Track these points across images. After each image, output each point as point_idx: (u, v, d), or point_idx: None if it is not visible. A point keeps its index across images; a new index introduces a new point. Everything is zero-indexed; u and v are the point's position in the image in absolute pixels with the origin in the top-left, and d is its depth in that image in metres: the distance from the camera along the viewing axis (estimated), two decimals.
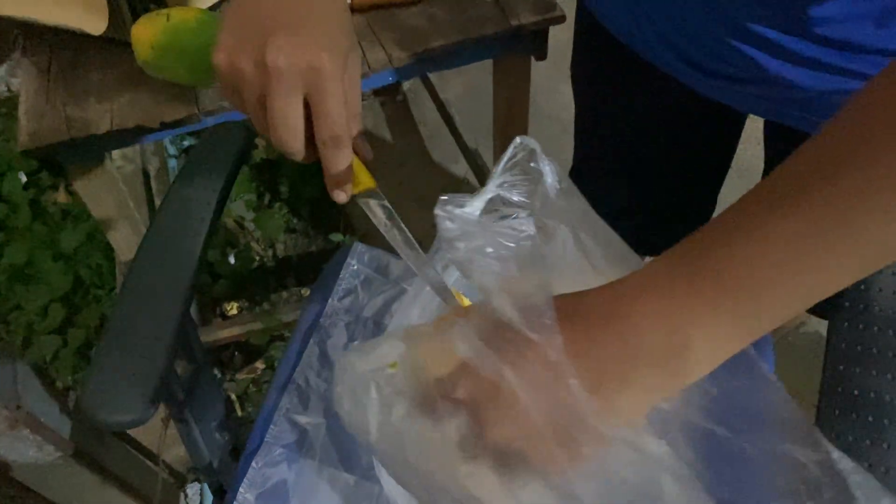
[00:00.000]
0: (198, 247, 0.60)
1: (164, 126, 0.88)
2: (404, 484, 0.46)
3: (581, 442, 0.35)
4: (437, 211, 0.47)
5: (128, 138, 0.89)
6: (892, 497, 0.36)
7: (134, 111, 0.89)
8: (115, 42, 0.94)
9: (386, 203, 0.52)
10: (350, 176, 0.50)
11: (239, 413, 1.36)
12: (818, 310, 0.95)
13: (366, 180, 0.52)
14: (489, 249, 0.46)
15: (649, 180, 0.86)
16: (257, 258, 1.57)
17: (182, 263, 0.59)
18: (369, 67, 0.92)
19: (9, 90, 2.26)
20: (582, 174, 0.92)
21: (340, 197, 0.51)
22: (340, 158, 0.49)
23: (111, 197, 1.00)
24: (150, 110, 0.89)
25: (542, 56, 1.00)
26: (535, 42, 0.98)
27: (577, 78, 0.86)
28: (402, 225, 0.52)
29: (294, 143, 0.48)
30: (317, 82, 0.45)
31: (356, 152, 0.51)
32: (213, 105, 0.89)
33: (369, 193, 0.52)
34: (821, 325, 1.34)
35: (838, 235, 0.34)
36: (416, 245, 0.52)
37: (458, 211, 0.49)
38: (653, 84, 0.71)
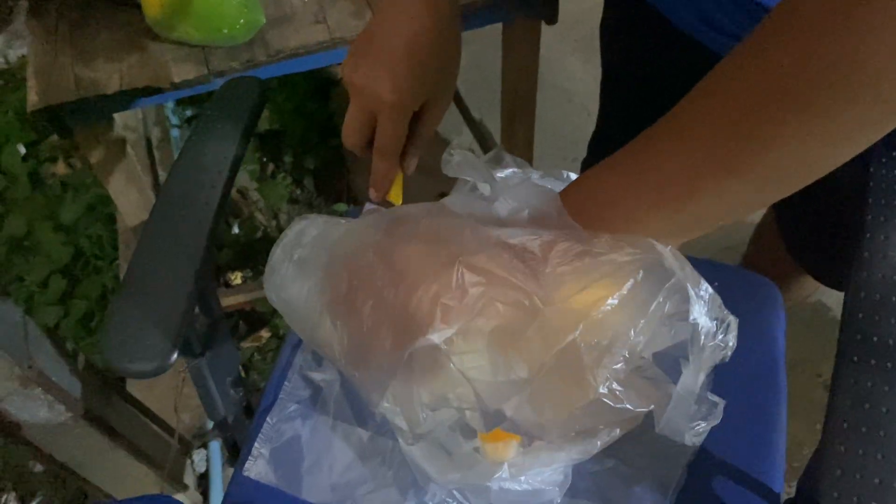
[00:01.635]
0: (216, 196, 0.60)
1: (174, 86, 0.88)
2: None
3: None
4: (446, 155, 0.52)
5: (137, 99, 0.89)
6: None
7: (143, 71, 0.88)
8: (124, 1, 0.93)
9: None
10: (387, 184, 0.61)
11: None
12: (832, 281, 0.95)
13: (395, 196, 0.62)
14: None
15: None
16: (261, 228, 1.57)
17: (200, 213, 0.59)
18: None
19: (6, 62, 2.25)
20: (605, 138, 0.92)
21: (371, 194, 0.61)
22: (381, 167, 0.59)
23: (119, 161, 1.00)
24: (160, 70, 0.88)
25: (552, 20, 1.00)
26: (546, 5, 0.98)
27: (605, 40, 0.86)
28: None
29: (349, 140, 0.59)
30: (377, 106, 0.55)
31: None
32: (224, 65, 0.89)
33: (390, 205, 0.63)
34: (825, 296, 1.36)
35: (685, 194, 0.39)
36: None
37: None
38: (680, 48, 0.71)
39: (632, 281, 0.39)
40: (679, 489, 0.61)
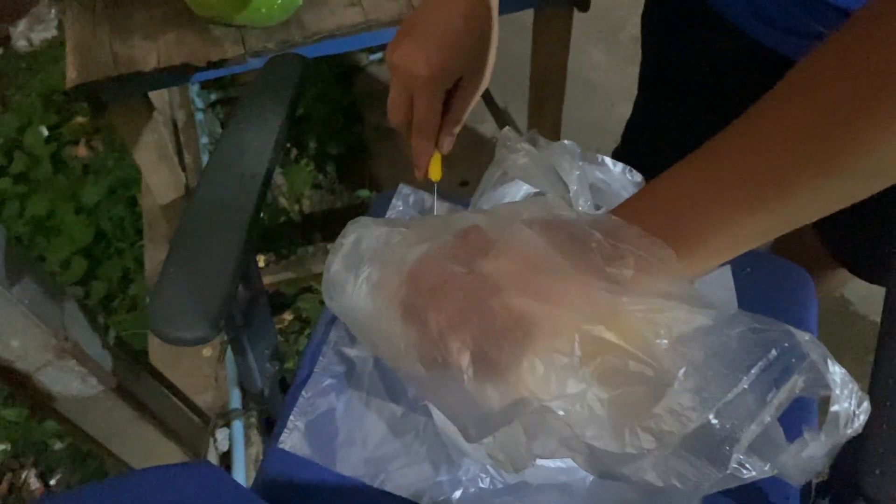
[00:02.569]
0: (262, 172, 0.60)
1: (211, 65, 0.88)
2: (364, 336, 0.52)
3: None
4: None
5: (174, 77, 0.89)
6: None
7: (180, 50, 0.89)
8: None
9: (434, 196, 0.69)
10: (425, 161, 0.64)
11: None
12: (870, 275, 0.94)
13: (434, 174, 0.65)
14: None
15: (709, 136, 0.85)
16: (284, 212, 1.58)
17: (247, 188, 0.60)
18: None
19: (30, 45, 2.26)
20: (641, 127, 0.92)
21: (416, 173, 0.64)
22: (418, 144, 0.62)
23: (152, 138, 1.01)
24: (197, 49, 0.89)
25: (584, 7, 1.00)
26: None
27: (648, 27, 0.86)
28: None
29: (392, 119, 0.61)
30: (412, 84, 0.59)
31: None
32: (260, 45, 0.89)
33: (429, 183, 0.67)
34: (846, 290, 1.36)
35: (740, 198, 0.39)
36: None
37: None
38: (726, 38, 0.71)
39: (764, 361, 0.39)
40: None
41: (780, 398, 0.39)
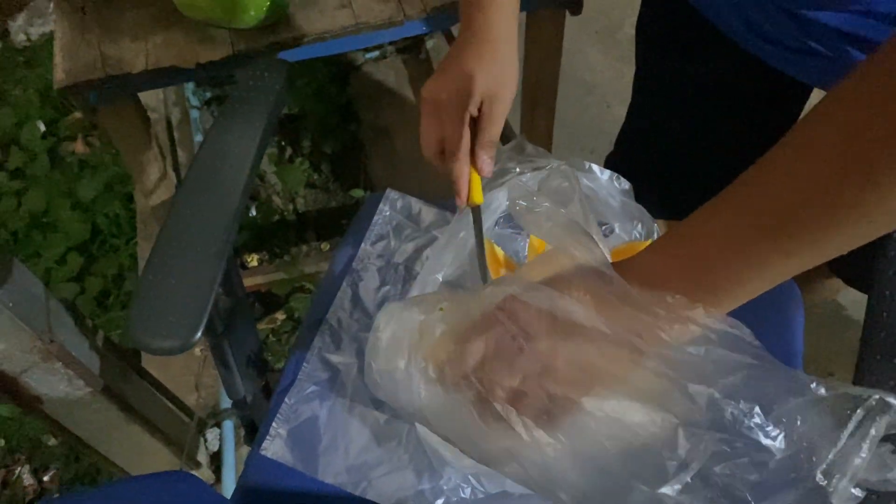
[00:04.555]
0: (242, 178, 0.60)
1: (200, 67, 0.88)
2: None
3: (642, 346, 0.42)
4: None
5: (163, 79, 0.89)
6: None
7: (169, 51, 0.89)
8: None
9: (479, 220, 0.68)
10: (464, 185, 0.66)
11: None
12: (863, 285, 0.94)
13: (476, 196, 0.67)
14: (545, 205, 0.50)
15: (703, 147, 0.85)
16: (278, 211, 1.57)
17: (227, 194, 0.60)
18: (405, 16, 0.92)
19: (28, 39, 2.26)
20: (634, 135, 0.92)
21: (457, 201, 0.67)
22: (454, 167, 0.65)
23: (142, 140, 1.00)
24: (185, 51, 0.89)
25: (577, 10, 0.99)
26: None
27: (642, 36, 0.86)
28: (482, 241, 0.68)
29: (424, 150, 0.68)
30: (440, 111, 0.65)
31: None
32: (249, 47, 0.89)
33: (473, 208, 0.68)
34: (839, 296, 1.35)
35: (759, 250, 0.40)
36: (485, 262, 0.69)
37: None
38: (719, 50, 0.71)
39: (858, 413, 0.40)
40: None
41: (872, 444, 0.39)
